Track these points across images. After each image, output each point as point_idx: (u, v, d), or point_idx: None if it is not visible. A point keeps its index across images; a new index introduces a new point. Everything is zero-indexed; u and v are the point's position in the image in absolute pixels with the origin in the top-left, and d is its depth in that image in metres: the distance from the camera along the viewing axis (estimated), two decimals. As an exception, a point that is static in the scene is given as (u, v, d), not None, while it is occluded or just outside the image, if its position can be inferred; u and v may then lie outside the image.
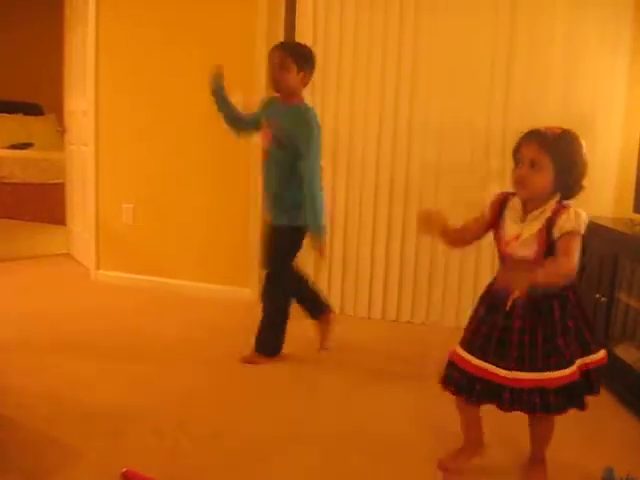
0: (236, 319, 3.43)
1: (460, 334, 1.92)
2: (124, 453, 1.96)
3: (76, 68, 4.41)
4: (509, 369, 1.77)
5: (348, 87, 3.42)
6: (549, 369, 1.75)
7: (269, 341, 2.79)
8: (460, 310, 3.35)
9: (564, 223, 1.69)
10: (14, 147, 6.51)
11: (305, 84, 2.63)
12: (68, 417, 2.19)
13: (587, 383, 1.81)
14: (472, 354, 1.83)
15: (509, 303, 1.76)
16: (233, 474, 1.92)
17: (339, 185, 3.52)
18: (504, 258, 1.84)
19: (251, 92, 3.58)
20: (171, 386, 2.51)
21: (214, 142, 3.72)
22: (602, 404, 2.56)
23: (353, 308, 3.61)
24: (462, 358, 1.84)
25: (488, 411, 1.90)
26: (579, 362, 1.79)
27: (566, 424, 2.36)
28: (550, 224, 1.71)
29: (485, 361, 1.80)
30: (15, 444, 1.99)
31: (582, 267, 2.95)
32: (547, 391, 1.75)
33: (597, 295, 2.81)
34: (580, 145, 1.72)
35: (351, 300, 3.61)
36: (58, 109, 5.22)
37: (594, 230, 2.96)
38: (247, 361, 2.76)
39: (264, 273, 2.83)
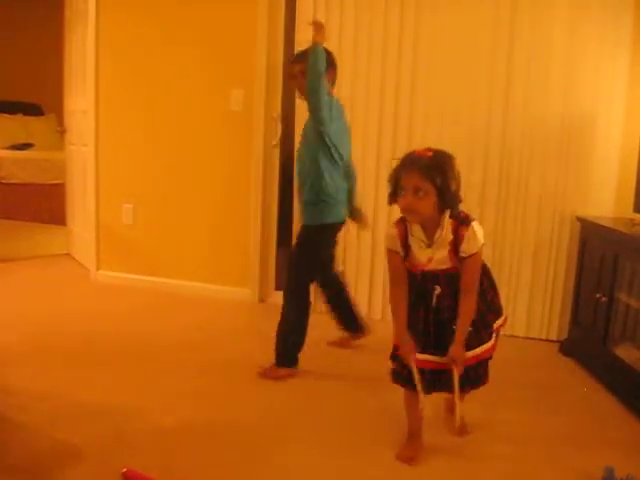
0: (236, 319, 3.44)
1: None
2: (124, 453, 1.96)
3: (76, 68, 4.41)
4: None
5: (348, 87, 3.41)
6: (483, 342, 1.97)
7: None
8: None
9: (467, 246, 1.87)
10: (14, 147, 6.51)
11: (330, 81, 2.62)
12: (69, 418, 2.19)
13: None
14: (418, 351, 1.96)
15: (434, 300, 1.94)
16: (233, 474, 1.92)
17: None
18: (421, 272, 1.96)
19: (252, 91, 3.59)
20: (172, 387, 2.51)
21: (214, 142, 3.73)
22: (602, 404, 2.57)
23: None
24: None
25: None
26: (489, 344, 2.00)
27: (566, 423, 2.38)
28: (456, 245, 1.88)
29: (427, 354, 1.95)
30: (16, 444, 1.99)
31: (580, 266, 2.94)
32: (484, 361, 2.01)
33: (597, 295, 2.81)
34: (452, 162, 1.86)
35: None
36: (58, 109, 5.23)
37: (594, 230, 2.97)
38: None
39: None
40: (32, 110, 7.13)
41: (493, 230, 3.33)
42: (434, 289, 1.93)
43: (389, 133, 3.42)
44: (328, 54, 2.55)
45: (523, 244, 3.33)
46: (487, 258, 3.30)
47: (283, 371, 2.64)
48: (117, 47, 3.85)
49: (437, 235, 1.88)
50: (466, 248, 1.87)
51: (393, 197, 1.89)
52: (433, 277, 1.93)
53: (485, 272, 2.03)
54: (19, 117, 6.99)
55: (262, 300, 3.81)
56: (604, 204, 3.20)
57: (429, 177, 1.80)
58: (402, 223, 1.94)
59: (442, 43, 3.29)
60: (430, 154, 1.84)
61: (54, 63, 5.11)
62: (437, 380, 1.97)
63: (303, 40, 3.42)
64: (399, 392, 2.05)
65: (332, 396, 2.51)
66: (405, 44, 3.33)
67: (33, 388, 2.41)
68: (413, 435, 2.08)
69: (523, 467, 2.02)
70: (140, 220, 3.96)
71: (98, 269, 4.11)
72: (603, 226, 2.88)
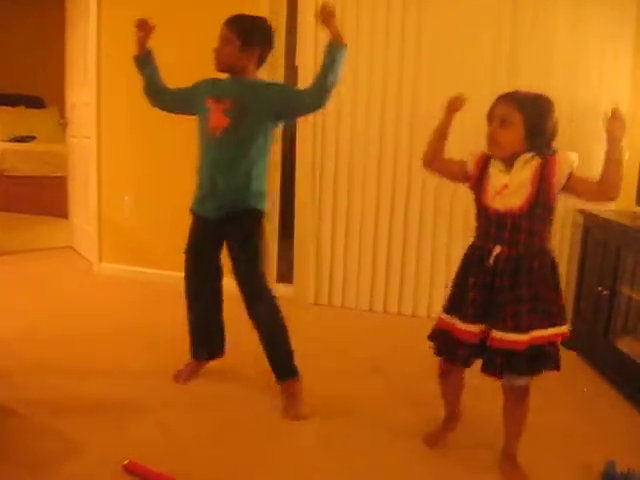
0: (239, 311, 3.43)
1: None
2: (126, 445, 1.97)
3: (77, 61, 4.40)
4: (502, 330, 1.75)
5: (351, 83, 3.39)
6: (532, 328, 1.75)
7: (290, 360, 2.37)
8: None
9: (562, 165, 1.71)
10: (16, 140, 6.50)
11: (255, 61, 2.41)
12: (71, 410, 2.20)
13: (549, 355, 1.79)
14: (463, 320, 1.81)
15: (491, 260, 1.76)
16: (235, 466, 1.93)
17: (341, 179, 3.52)
18: (487, 213, 1.80)
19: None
20: (172, 380, 2.52)
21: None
22: (604, 397, 2.58)
23: (355, 300, 3.63)
24: (453, 325, 1.84)
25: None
26: (543, 332, 1.76)
27: (567, 416, 2.38)
28: (544, 170, 1.71)
29: (469, 323, 1.79)
30: (18, 437, 2.00)
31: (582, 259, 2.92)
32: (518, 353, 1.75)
33: (599, 288, 2.81)
34: (551, 108, 1.73)
35: (353, 292, 3.63)
36: (60, 102, 5.22)
37: (597, 223, 2.96)
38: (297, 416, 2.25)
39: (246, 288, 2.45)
40: (34, 103, 7.11)
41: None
42: (493, 248, 1.76)
43: (392, 128, 3.41)
44: (269, 29, 2.46)
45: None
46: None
47: (299, 382, 2.36)
48: (119, 39, 3.82)
49: (520, 160, 1.73)
50: (560, 169, 1.71)
51: None
52: (498, 224, 1.76)
53: (554, 270, 1.82)
54: (21, 110, 6.97)
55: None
56: (607, 197, 3.20)
57: (519, 107, 1.68)
58: (487, 154, 1.84)
59: (444, 40, 3.28)
60: (531, 93, 1.72)
61: (56, 56, 5.09)
62: (478, 354, 1.81)
63: (305, 36, 3.43)
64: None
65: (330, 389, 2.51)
66: (408, 39, 3.32)
67: (36, 380, 2.41)
68: (450, 416, 2.00)
69: (524, 461, 2.02)
70: (142, 212, 3.96)
71: (100, 261, 4.11)
72: (605, 219, 2.87)
